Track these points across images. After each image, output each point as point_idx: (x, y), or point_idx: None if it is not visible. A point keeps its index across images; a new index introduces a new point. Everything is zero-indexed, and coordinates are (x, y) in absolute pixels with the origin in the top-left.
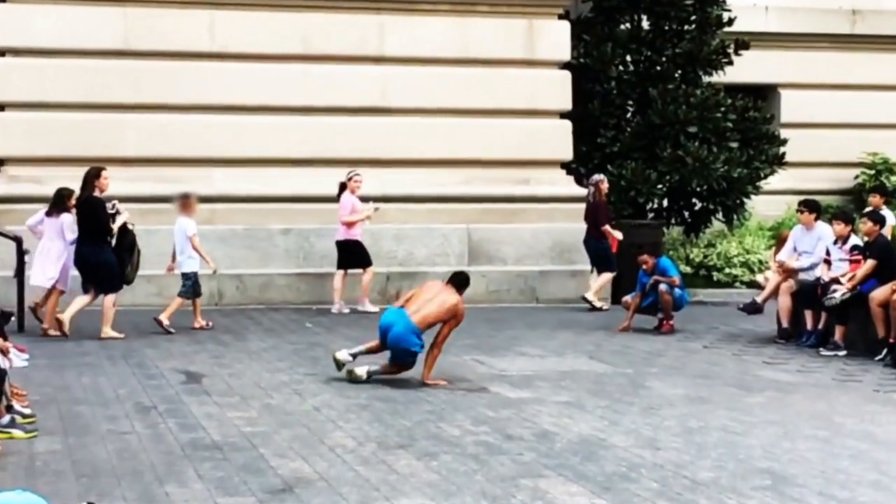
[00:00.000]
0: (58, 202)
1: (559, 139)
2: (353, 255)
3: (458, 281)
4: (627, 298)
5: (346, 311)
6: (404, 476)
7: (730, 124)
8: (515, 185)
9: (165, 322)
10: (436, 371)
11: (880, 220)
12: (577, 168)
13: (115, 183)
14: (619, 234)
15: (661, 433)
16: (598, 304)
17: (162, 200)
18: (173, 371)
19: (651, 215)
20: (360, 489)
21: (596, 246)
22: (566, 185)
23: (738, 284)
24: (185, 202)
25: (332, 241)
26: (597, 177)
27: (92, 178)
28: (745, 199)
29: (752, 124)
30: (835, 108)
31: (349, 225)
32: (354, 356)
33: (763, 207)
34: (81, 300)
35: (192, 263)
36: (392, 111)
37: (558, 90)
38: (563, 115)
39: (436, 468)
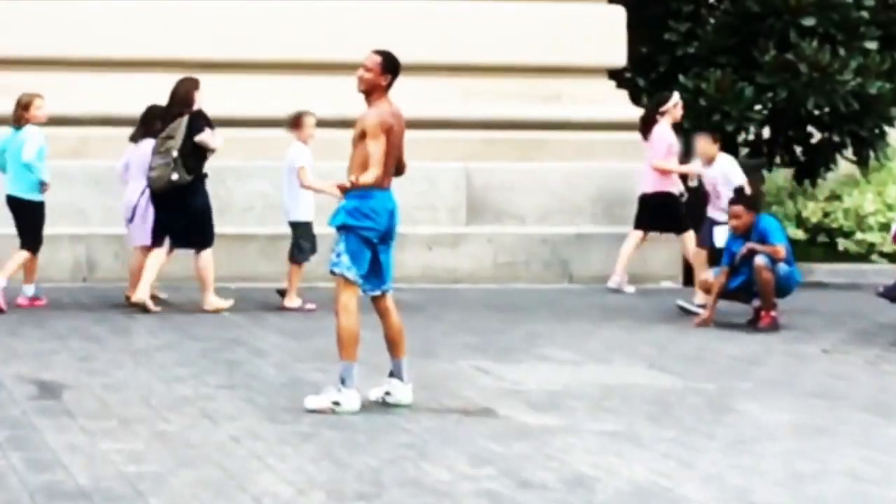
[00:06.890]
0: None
1: (606, 35)
2: (663, 213)
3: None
4: (708, 276)
5: (631, 289)
6: None
7: (864, 14)
8: (539, 104)
9: (294, 304)
10: (413, 382)
11: None
12: (633, 78)
13: None
14: None
15: (756, 479)
16: None
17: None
18: (19, 380)
19: (745, 151)
20: None
21: None
22: (616, 103)
23: (875, 257)
24: (295, 122)
25: (259, 186)
26: None
27: (191, 91)
28: (888, 129)
29: None
30: None
31: (663, 172)
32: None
33: None
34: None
35: (307, 209)
36: None
37: None
38: None
39: None
